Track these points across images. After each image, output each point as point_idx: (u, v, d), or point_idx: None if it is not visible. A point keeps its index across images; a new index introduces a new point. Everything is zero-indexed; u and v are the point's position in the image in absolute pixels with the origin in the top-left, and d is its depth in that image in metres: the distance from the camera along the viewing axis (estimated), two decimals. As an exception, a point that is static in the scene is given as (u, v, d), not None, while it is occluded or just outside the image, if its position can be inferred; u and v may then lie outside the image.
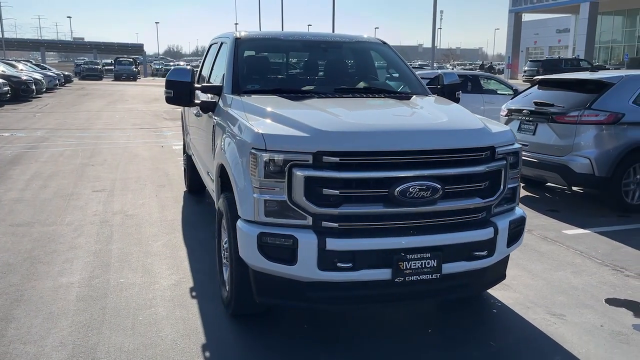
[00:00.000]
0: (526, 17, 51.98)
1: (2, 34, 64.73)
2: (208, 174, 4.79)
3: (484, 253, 3.41)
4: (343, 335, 3.65)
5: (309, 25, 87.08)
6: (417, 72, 5.44)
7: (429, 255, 3.24)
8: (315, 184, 3.11)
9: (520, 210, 3.75)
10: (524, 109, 7.17)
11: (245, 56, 4.62)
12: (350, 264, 3.15)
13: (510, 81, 15.08)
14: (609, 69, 32.00)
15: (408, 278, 3.22)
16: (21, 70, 27.06)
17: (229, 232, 3.57)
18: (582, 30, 42.70)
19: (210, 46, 6.09)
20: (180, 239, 5.52)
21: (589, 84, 6.89)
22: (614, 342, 3.54)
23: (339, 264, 3.15)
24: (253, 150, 3.20)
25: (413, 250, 3.21)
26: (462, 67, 58.31)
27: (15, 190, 7.45)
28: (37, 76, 26.23)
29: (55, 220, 6.08)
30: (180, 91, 4.40)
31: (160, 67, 62.71)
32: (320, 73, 4.97)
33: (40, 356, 3.29)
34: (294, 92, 4.32)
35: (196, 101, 4.50)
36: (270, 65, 5.19)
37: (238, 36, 4.82)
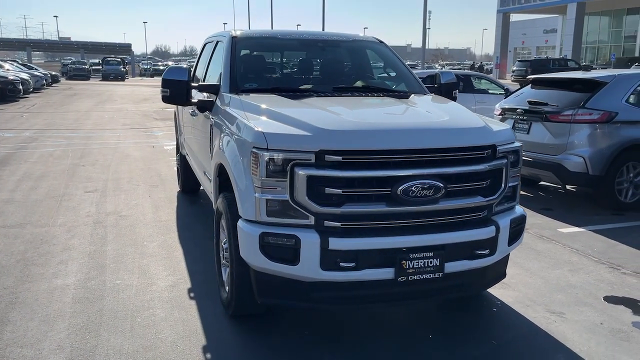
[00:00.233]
0: (514, 17, 52.35)
1: (-13, 34, 63.86)
2: (205, 174, 4.74)
3: (486, 252, 3.40)
4: (344, 334, 3.63)
5: (297, 25, 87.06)
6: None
7: (431, 254, 3.22)
8: (318, 183, 3.08)
9: (520, 208, 3.76)
10: (518, 108, 7.19)
11: (242, 55, 4.58)
12: (353, 264, 3.13)
13: (499, 81, 15.14)
14: (596, 68, 32.30)
15: (411, 277, 3.21)
16: (8, 70, 26.74)
17: (228, 233, 3.53)
18: (570, 30, 43.07)
19: (205, 45, 6.04)
20: (175, 239, 5.47)
21: (582, 83, 6.93)
22: (614, 340, 3.55)
23: (341, 264, 3.12)
24: (254, 150, 3.17)
25: (416, 249, 3.20)
26: (451, 67, 58.53)
27: (5, 191, 7.34)
28: (24, 76, 25.93)
29: (48, 221, 5.99)
30: (177, 90, 4.36)
31: (148, 67, 62.35)
32: (318, 72, 4.94)
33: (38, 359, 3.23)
34: (292, 91, 4.29)
35: (193, 100, 4.46)
36: (268, 64, 5.16)
37: (234, 35, 4.78)
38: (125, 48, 68.78)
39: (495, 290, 4.24)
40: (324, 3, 42.92)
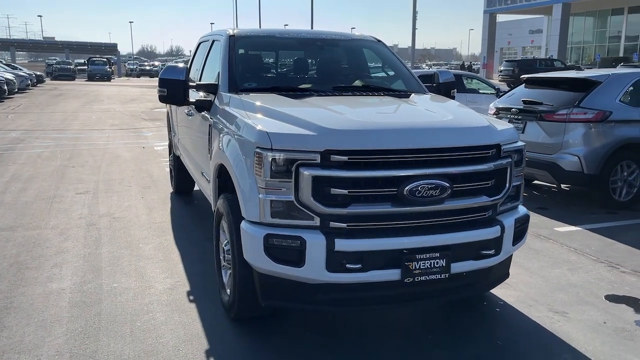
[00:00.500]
0: (500, 17, 52.65)
1: (-30, 33, 62.96)
2: (203, 175, 4.67)
3: (492, 252, 3.38)
4: (347, 335, 3.59)
5: (285, 24, 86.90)
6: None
7: (437, 255, 3.19)
8: (323, 183, 3.03)
9: (523, 208, 3.75)
10: (512, 108, 7.20)
11: (240, 54, 4.52)
12: (359, 265, 3.09)
13: (490, 81, 15.25)
14: (582, 68, 32.60)
15: (417, 278, 3.17)
16: (-8, 70, 26.34)
17: (230, 234, 3.47)
18: (555, 31, 43.43)
19: (200, 44, 5.96)
20: (171, 241, 5.39)
21: (576, 82, 6.96)
22: (618, 339, 3.55)
23: (347, 265, 3.08)
24: (258, 150, 3.11)
25: (422, 250, 3.17)
26: (438, 67, 58.78)
27: (-6, 193, 7.21)
28: (9, 76, 25.59)
29: (39, 224, 5.88)
30: (174, 90, 4.28)
31: (134, 67, 61.81)
32: (317, 71, 4.89)
33: (36, 366, 3.15)
34: (291, 90, 4.24)
35: (190, 100, 4.38)
36: (266, 63, 5.11)
37: (232, 33, 4.71)
38: (111, 48, 68.21)
39: (497, 290, 4.22)
40: (312, 3, 42.87)
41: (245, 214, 3.24)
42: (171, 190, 7.45)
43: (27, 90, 29.99)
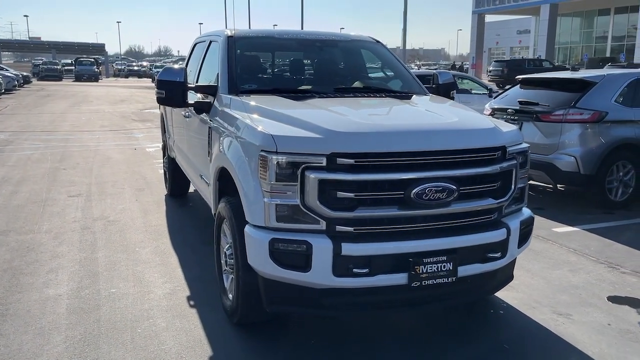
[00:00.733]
0: (488, 18, 52.93)
1: (-46, 33, 62.11)
2: (202, 178, 4.60)
3: (498, 255, 3.36)
4: (352, 338, 3.54)
5: (274, 25, 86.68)
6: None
7: (444, 258, 3.16)
8: (330, 187, 2.99)
9: (527, 210, 3.73)
10: (508, 108, 7.20)
11: (240, 55, 4.45)
12: (366, 270, 3.04)
13: (482, 81, 15.28)
14: (569, 69, 32.84)
15: (424, 282, 3.13)
16: (-22, 70, 25.98)
17: (234, 239, 3.41)
18: (543, 31, 43.77)
19: (195, 45, 5.89)
20: (168, 245, 5.31)
21: (571, 83, 6.98)
22: (624, 341, 3.54)
23: (354, 270, 3.03)
24: (263, 153, 3.06)
25: (429, 253, 3.13)
26: (427, 67, 58.98)
27: (-16, 196, 7.07)
28: (-5, 77, 25.24)
29: (32, 227, 5.77)
30: (173, 92, 4.21)
31: (122, 67, 61.32)
32: (317, 72, 4.84)
33: (36, 376, 3.08)
34: (292, 91, 4.19)
35: (189, 102, 4.32)
36: (266, 64, 5.05)
37: (230, 34, 4.65)
38: (99, 48, 67.62)
39: (499, 292, 4.18)
40: (302, 3, 42.81)
41: (249, 218, 3.19)
42: (165, 192, 7.36)
43: (14, 91, 29.63)
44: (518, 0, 45.56)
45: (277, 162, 3.01)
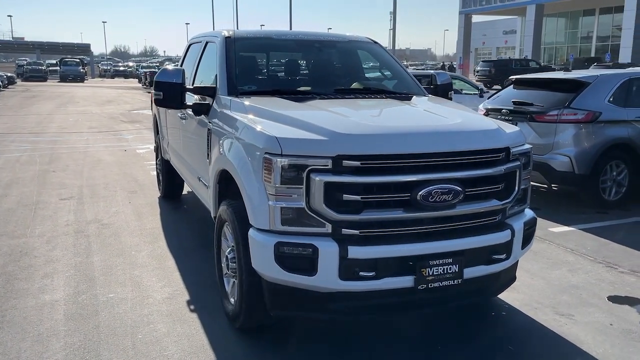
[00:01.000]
0: (474, 18, 53.25)
1: (-64, 33, 61.09)
2: (200, 180, 4.54)
3: (503, 256, 3.35)
4: (356, 342, 3.52)
5: (261, 25, 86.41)
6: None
7: (450, 260, 3.14)
8: (335, 189, 2.95)
9: (530, 211, 3.72)
10: (503, 109, 7.22)
11: (238, 56, 4.39)
12: (373, 273, 3.02)
13: (473, 81, 15.37)
14: (555, 69, 33.16)
15: (431, 285, 3.11)
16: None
17: (237, 242, 3.36)
18: (529, 31, 44.10)
19: (190, 46, 5.83)
20: (164, 248, 5.24)
21: (564, 83, 7.02)
22: (627, 341, 3.55)
23: (361, 273, 3.00)
24: (267, 155, 3.02)
25: (435, 255, 3.11)
26: (414, 67, 59.22)
27: (-27, 200, 6.94)
28: (-20, 78, 24.88)
29: (25, 231, 5.67)
30: (171, 93, 4.16)
31: (108, 67, 60.80)
32: (317, 73, 4.80)
33: (36, 384, 3.00)
34: (291, 93, 4.15)
35: (187, 103, 4.26)
36: (264, 65, 5.00)
37: (228, 35, 4.59)
38: (84, 48, 66.98)
39: (501, 293, 4.19)
40: (290, 3, 42.77)
41: (253, 221, 3.14)
42: (159, 194, 7.28)
43: (-2, 92, 29.23)
44: (504, 1, 45.89)
45: (282, 165, 2.97)
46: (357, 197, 2.97)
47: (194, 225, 6.04)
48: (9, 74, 36.35)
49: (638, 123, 6.73)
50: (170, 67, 4.33)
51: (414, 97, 4.37)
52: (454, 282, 3.17)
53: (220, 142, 3.77)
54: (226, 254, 3.70)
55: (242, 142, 3.38)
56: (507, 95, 7.61)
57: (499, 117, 7.27)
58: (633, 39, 34.87)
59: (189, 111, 4.66)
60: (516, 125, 6.90)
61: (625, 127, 6.68)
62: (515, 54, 52.89)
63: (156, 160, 7.51)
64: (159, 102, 4.21)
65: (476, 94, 12.39)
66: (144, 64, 56.60)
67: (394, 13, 31.30)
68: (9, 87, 34.79)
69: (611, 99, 6.70)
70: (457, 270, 3.16)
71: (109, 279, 4.44)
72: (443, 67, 37.72)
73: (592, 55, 43.73)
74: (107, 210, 6.52)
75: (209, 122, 4.10)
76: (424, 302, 3.27)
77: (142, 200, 7.02)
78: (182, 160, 5.45)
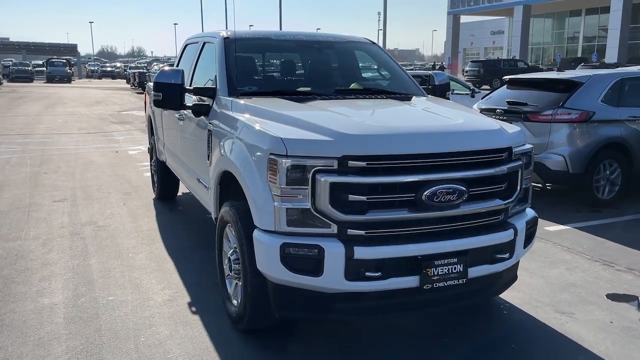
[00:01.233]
0: (462, 19, 53.56)
1: None
2: (200, 181, 4.51)
3: (506, 255, 3.37)
4: (363, 341, 3.52)
5: (250, 25, 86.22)
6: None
7: (455, 260, 3.15)
8: (341, 190, 2.95)
9: (531, 210, 3.75)
10: (497, 109, 7.27)
11: (238, 56, 4.38)
12: (378, 273, 3.02)
13: (464, 81, 15.43)
14: (542, 69, 33.44)
15: (436, 284, 3.13)
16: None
17: (240, 244, 3.35)
18: (517, 32, 44.43)
19: (186, 47, 5.80)
20: (162, 250, 5.21)
21: (558, 83, 7.08)
22: (628, 338, 3.58)
23: (367, 274, 3.01)
24: (272, 156, 3.01)
25: (440, 255, 3.12)
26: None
27: (-35, 202, 6.85)
28: (-35, 78, 24.54)
29: (19, 234, 5.60)
30: (170, 94, 4.13)
31: (96, 68, 60.28)
32: (316, 74, 4.80)
33: (39, 389, 2.97)
34: (292, 93, 4.14)
35: (187, 104, 4.24)
36: (264, 66, 4.99)
37: (227, 35, 4.57)
38: (71, 49, 66.42)
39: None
40: (280, 3, 42.71)
41: (258, 222, 3.13)
42: (153, 196, 7.23)
43: (-16, 93, 28.87)
44: (492, 2, 46.19)
45: (288, 166, 2.96)
46: (363, 198, 2.97)
47: (191, 226, 6.01)
48: (-6, 75, 35.87)
49: (631, 122, 6.81)
50: (169, 68, 4.30)
51: (414, 97, 4.38)
52: (458, 281, 3.18)
53: (222, 143, 3.75)
54: (228, 255, 3.68)
55: (245, 143, 3.37)
56: (501, 95, 7.66)
57: (493, 117, 7.30)
58: (619, 39, 35.26)
59: (187, 112, 4.64)
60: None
61: (618, 126, 6.75)
62: (503, 54, 53.24)
63: (150, 161, 7.46)
64: (158, 103, 4.18)
65: (467, 94, 12.44)
66: (132, 65, 56.21)
67: (384, 14, 31.37)
68: (-5, 88, 34.37)
69: (604, 99, 6.77)
70: (461, 270, 3.17)
71: (107, 282, 4.40)
72: (434, 67, 37.81)
73: (579, 55, 44.15)
74: (101, 212, 6.47)
75: (210, 123, 4.07)
76: (429, 302, 3.28)
77: (137, 202, 6.97)
78: (179, 161, 5.42)
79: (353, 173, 2.96)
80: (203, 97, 4.29)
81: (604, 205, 6.81)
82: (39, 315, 3.81)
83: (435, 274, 3.11)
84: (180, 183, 6.64)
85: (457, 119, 3.51)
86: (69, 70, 48.11)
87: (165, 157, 6.27)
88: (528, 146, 3.64)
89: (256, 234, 3.13)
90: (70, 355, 3.29)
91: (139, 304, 4.00)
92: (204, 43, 5.00)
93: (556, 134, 6.63)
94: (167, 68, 4.31)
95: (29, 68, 48.43)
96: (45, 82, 45.55)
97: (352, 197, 2.96)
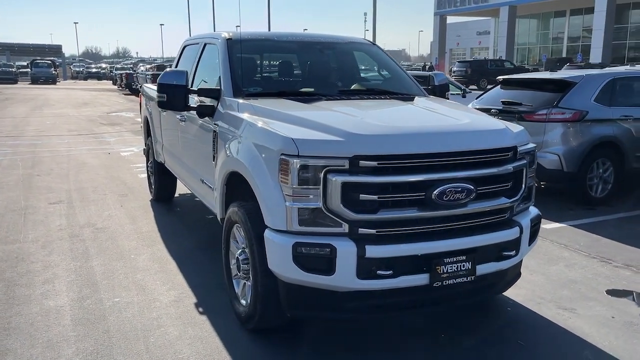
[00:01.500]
0: (449, 19, 53.94)
1: None
2: (203, 182, 4.52)
3: (512, 253, 3.43)
4: (369, 340, 3.55)
5: (237, 26, 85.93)
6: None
7: (464, 257, 3.20)
8: (352, 189, 2.99)
9: (535, 208, 3.81)
10: (492, 109, 7.34)
11: (241, 57, 4.39)
12: (390, 271, 3.06)
13: (456, 82, 15.56)
14: (528, 69, 33.81)
15: (445, 282, 3.17)
16: None
17: (250, 244, 3.37)
18: (503, 32, 44.90)
19: (185, 48, 5.80)
20: (164, 251, 5.20)
21: (551, 83, 7.18)
22: (630, 333, 3.66)
23: (378, 272, 3.04)
24: (284, 157, 3.04)
25: (450, 253, 3.17)
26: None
27: (-41, 205, 6.77)
28: (-50, 80, 24.19)
29: (17, 237, 5.56)
30: (175, 95, 4.14)
31: (81, 69, 59.75)
32: (319, 74, 4.83)
33: (52, 391, 2.96)
34: (297, 94, 4.17)
35: (192, 106, 4.25)
36: (267, 67, 5.01)
37: (229, 36, 4.59)
38: (55, 49, 65.80)
39: (504, 290, 4.28)
40: (269, 3, 42.69)
41: (269, 222, 3.15)
42: (150, 197, 7.21)
43: (-31, 95, 28.49)
44: (478, 2, 46.59)
45: (299, 166, 2.99)
46: (374, 197, 3.01)
47: (191, 227, 6.01)
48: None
49: (622, 122, 6.93)
50: (172, 69, 4.30)
51: (416, 97, 4.43)
52: (467, 279, 3.23)
53: (228, 144, 3.76)
54: (236, 255, 3.69)
55: (254, 143, 3.39)
56: (495, 95, 7.75)
57: (488, 116, 7.40)
58: (603, 39, 35.74)
59: (189, 113, 4.64)
60: (506, 124, 7.07)
61: (610, 125, 6.87)
62: (489, 54, 53.72)
63: (147, 163, 7.43)
64: (163, 105, 4.18)
65: (459, 94, 12.53)
66: (118, 66, 55.79)
67: (373, 15, 31.48)
68: (-21, 89, 33.92)
69: (597, 99, 6.88)
70: (470, 267, 3.22)
71: (112, 283, 4.39)
72: (424, 68, 38.03)
73: (564, 55, 44.71)
74: (99, 214, 6.44)
75: (215, 124, 4.09)
76: (438, 299, 3.33)
77: (134, 204, 6.94)
78: (180, 162, 5.41)
79: (364, 173, 3.00)
80: (206, 98, 4.30)
81: (596, 204, 6.92)
82: (46, 317, 3.79)
83: (445, 271, 3.16)
84: (178, 184, 6.64)
85: (464, 119, 3.56)
86: (53, 72, 47.64)
87: (163, 159, 6.26)
88: (531, 145, 3.70)
89: (267, 233, 3.15)
90: (82, 357, 3.28)
91: (145, 305, 4.00)
92: (205, 44, 5.00)
93: (551, 134, 6.72)
94: (169, 70, 4.31)
95: (13, 69, 47.86)
96: (29, 84, 45.07)
97: (363, 197, 3.00)
